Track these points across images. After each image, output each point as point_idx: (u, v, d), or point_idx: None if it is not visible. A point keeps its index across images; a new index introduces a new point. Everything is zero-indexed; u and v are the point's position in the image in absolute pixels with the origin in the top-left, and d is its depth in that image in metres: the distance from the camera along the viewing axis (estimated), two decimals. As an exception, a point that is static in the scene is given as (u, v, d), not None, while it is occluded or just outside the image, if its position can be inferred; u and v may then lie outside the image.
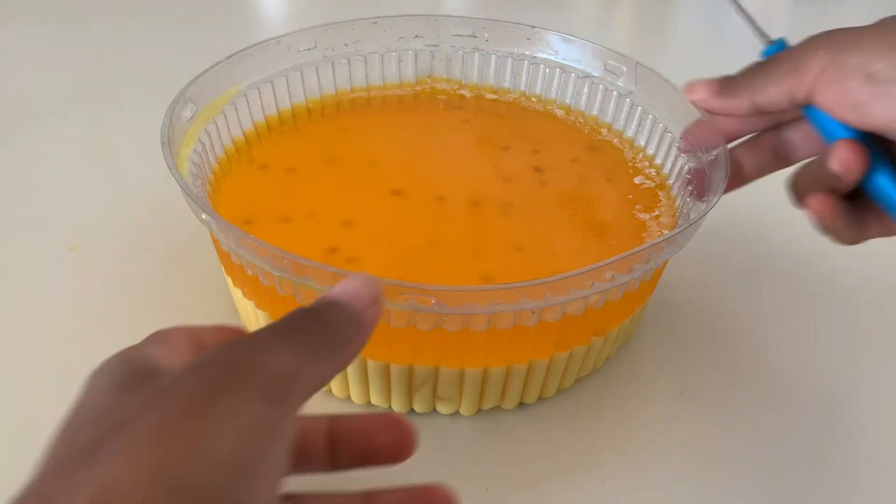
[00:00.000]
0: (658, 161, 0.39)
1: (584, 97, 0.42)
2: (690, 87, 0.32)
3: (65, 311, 0.38)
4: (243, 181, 0.38)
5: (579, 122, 0.43)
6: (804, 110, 0.30)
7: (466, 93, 0.45)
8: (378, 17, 0.43)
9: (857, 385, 0.36)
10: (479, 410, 0.34)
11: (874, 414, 0.35)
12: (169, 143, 0.32)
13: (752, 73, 0.30)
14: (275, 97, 0.41)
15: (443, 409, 0.33)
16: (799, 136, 0.32)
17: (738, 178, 0.33)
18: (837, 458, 0.33)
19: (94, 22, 0.68)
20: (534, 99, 0.44)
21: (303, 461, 0.22)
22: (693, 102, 0.32)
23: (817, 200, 0.29)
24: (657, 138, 0.39)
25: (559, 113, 0.43)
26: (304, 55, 0.42)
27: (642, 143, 0.40)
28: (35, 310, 0.38)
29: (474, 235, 0.35)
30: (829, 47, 0.27)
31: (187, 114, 0.35)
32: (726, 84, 0.31)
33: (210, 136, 0.37)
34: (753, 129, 0.33)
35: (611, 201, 0.37)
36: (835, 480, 0.32)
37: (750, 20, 0.32)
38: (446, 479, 0.29)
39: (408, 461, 0.30)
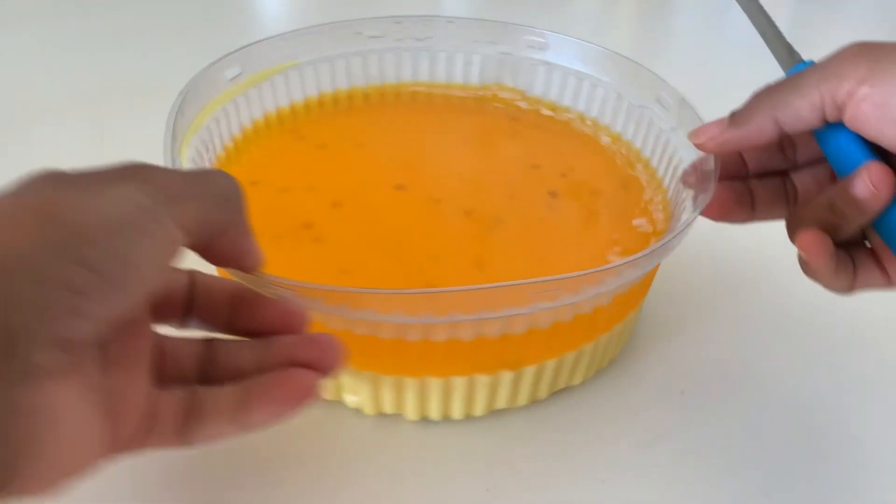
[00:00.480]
0: (671, 208, 0.34)
1: (631, 128, 0.39)
2: (696, 130, 0.28)
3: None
4: (279, 147, 0.40)
5: (621, 153, 0.39)
6: (817, 135, 0.26)
7: (524, 104, 0.43)
8: (454, 17, 0.43)
9: (856, 385, 0.35)
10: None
11: (873, 414, 0.34)
12: (189, 94, 0.34)
13: (769, 92, 0.26)
14: (332, 76, 0.42)
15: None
16: (809, 180, 0.29)
17: (748, 210, 0.29)
18: (836, 458, 0.32)
19: (94, 22, 0.68)
20: (589, 122, 0.41)
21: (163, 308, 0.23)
22: (701, 146, 0.28)
23: (808, 235, 0.25)
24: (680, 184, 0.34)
25: (606, 140, 0.40)
26: (372, 42, 0.43)
27: (666, 184, 0.35)
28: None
29: (443, 243, 0.34)
30: (868, 56, 0.24)
31: (230, 74, 0.38)
32: (737, 113, 0.27)
33: (248, 100, 0.39)
34: (764, 167, 0.29)
35: (597, 241, 0.34)
36: (834, 480, 0.31)
37: (774, 33, 0.28)
38: (446, 480, 0.30)
39: (408, 461, 0.31)
